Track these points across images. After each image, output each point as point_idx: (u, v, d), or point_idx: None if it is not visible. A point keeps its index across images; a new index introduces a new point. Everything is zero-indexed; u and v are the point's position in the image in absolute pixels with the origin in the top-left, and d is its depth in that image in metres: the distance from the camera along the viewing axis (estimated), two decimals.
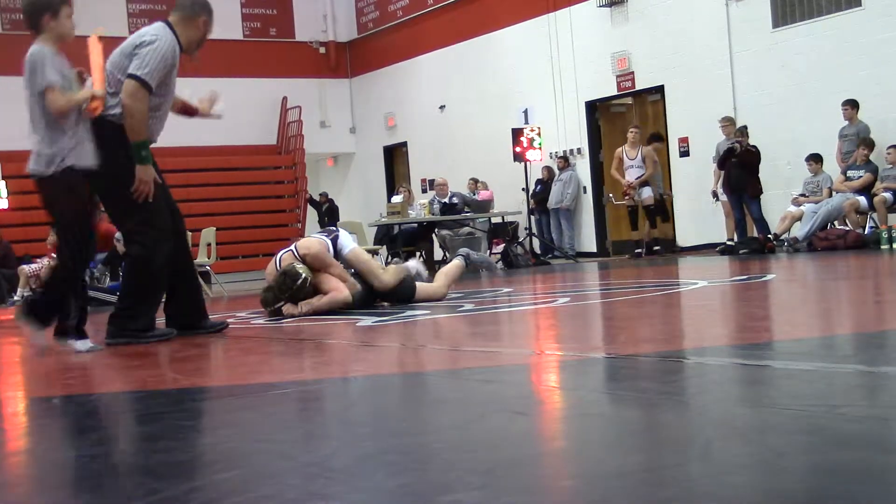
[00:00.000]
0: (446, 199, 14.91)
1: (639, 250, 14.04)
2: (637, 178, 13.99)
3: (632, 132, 14.32)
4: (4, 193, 15.66)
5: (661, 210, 14.17)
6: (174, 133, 13.66)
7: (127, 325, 5.47)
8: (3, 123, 17.34)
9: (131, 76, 5.36)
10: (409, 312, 6.31)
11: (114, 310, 5.65)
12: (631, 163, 14.14)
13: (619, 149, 14.46)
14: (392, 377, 3.68)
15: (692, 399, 2.75)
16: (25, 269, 15.48)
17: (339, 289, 6.78)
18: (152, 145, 5.61)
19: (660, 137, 14.34)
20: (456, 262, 7.81)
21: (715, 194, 13.65)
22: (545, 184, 16.65)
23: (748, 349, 3.66)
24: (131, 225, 5.61)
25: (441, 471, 2.06)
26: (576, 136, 16.61)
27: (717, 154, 13.35)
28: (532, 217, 15.88)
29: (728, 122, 13.32)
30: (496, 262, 14.39)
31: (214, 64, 15.54)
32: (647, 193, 14.05)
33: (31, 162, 5.12)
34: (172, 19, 5.66)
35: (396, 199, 15.44)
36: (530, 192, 15.87)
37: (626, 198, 14.12)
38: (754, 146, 12.87)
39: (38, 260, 15.78)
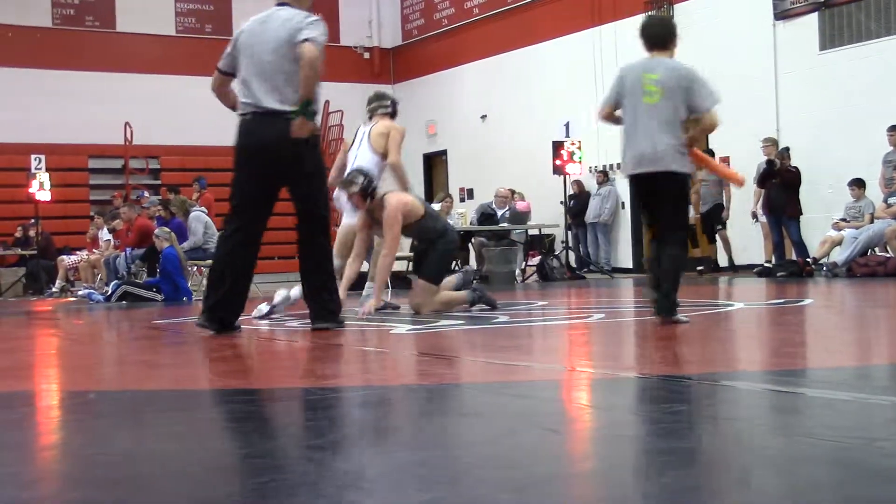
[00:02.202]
0: (504, 210, 14.87)
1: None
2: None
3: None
4: (48, 185, 15.82)
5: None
6: (216, 132, 13.66)
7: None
8: (49, 116, 17.63)
9: (308, 40, 5.40)
10: (442, 322, 6.32)
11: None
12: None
13: None
14: (424, 388, 3.68)
15: (726, 424, 2.74)
16: (65, 260, 15.68)
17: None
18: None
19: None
20: (462, 295, 7.27)
21: (755, 215, 13.54)
22: (578, 198, 16.61)
23: (784, 375, 3.62)
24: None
25: (471, 486, 2.06)
26: (616, 151, 16.49)
27: (758, 174, 13.25)
28: (570, 231, 15.83)
29: (770, 143, 13.20)
30: (531, 275, 14.37)
31: None
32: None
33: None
34: None
35: (436, 206, 15.46)
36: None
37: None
38: (795, 167, 12.75)
39: (77, 252, 15.99)
